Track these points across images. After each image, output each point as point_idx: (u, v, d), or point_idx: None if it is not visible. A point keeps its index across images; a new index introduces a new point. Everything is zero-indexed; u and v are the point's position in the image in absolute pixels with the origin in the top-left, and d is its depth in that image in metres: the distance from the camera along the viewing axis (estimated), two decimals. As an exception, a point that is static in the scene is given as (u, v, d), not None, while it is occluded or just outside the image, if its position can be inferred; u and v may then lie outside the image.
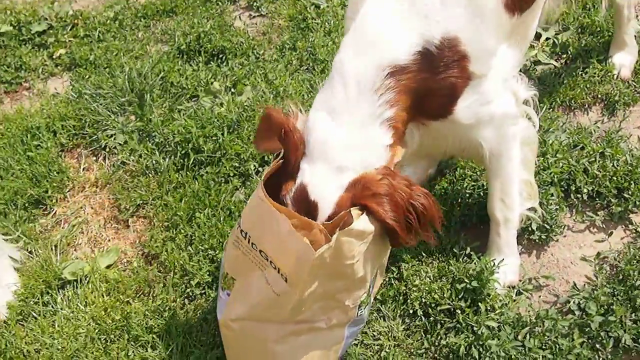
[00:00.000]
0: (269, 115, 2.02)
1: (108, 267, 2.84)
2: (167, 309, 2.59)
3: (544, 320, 2.28)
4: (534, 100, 2.46)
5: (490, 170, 2.39)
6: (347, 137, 1.93)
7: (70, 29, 4.04)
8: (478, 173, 2.76)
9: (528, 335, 2.27)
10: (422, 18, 1.97)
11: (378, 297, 2.47)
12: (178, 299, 2.61)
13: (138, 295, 2.69)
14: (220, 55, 3.60)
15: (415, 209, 1.93)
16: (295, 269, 1.91)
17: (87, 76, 3.64)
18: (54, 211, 3.10)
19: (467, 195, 2.72)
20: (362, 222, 1.89)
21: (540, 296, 2.48)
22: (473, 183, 2.75)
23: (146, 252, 2.84)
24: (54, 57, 3.88)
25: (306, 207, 1.92)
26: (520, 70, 2.44)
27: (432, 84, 2.01)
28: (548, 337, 2.27)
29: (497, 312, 2.34)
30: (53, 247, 2.94)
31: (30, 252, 2.93)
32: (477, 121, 2.18)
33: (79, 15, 4.11)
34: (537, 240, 2.61)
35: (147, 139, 3.23)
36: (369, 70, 1.94)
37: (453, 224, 2.65)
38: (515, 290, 2.48)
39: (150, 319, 2.55)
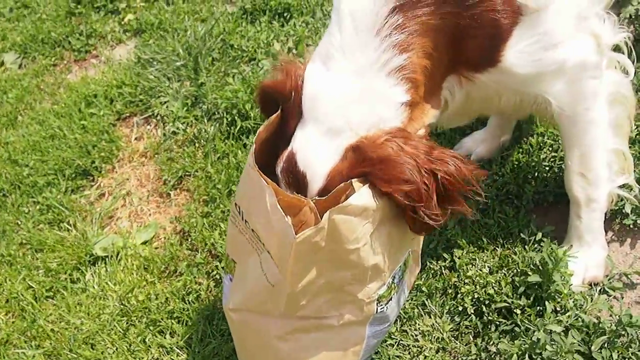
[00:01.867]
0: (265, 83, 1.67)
1: (145, 243, 2.63)
2: (190, 291, 2.32)
3: (627, 327, 1.75)
4: (628, 44, 1.92)
5: (565, 137, 1.88)
6: (343, 91, 1.51)
7: (143, -7, 3.87)
8: (560, 142, 2.23)
9: (606, 345, 1.76)
10: None
11: (424, 289, 2.05)
12: (204, 282, 2.34)
13: (166, 276, 2.45)
14: (285, 14, 3.27)
15: (436, 179, 1.49)
16: (280, 254, 1.55)
17: (149, 41, 3.44)
18: (98, 183, 2.93)
19: (546, 168, 2.21)
20: (361, 196, 1.48)
21: (632, 298, 1.95)
22: (553, 154, 2.23)
23: (181, 228, 2.59)
24: (123, 22, 3.73)
25: (294, 180, 1.55)
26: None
27: (464, 20, 1.55)
28: (632, 349, 1.75)
29: (567, 314, 1.85)
30: (94, 220, 2.77)
31: (70, 225, 2.78)
32: (538, 71, 1.70)
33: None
34: (631, 226, 2.06)
35: (198, 105, 2.97)
36: (366, 4, 1.50)
37: (524, 202, 2.15)
38: (599, 289, 1.97)
39: (172, 302, 2.30)
